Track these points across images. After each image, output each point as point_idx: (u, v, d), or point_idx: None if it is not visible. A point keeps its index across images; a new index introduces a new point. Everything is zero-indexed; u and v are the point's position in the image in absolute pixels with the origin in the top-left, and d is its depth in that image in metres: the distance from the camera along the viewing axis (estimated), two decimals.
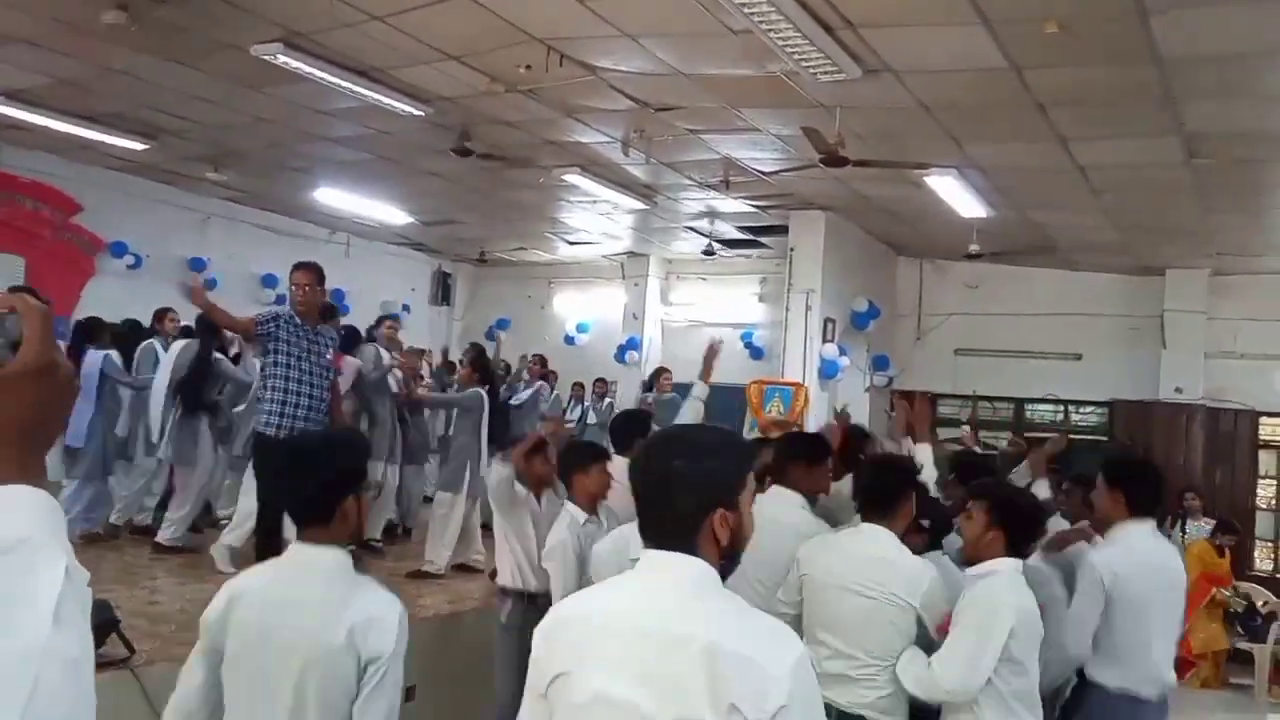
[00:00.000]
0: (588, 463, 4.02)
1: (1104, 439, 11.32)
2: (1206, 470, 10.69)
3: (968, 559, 3.11)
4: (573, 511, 3.97)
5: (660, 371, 10.45)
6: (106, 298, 9.74)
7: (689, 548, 1.50)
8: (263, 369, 5.39)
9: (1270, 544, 10.86)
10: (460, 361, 8.24)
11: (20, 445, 0.91)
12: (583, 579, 3.64)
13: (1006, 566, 2.96)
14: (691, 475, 1.52)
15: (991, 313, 11.80)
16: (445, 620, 5.45)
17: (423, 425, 7.91)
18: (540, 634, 1.59)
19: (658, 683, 1.44)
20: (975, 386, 11.96)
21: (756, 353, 12.90)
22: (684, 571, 1.50)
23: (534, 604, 4.14)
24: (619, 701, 1.45)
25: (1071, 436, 11.55)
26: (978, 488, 3.20)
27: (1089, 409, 11.80)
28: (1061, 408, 11.94)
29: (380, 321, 7.87)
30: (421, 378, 8.04)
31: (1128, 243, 10.04)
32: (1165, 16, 4.95)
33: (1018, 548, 3.02)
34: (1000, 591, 2.89)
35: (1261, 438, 11.00)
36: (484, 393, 6.76)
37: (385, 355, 7.25)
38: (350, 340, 7.19)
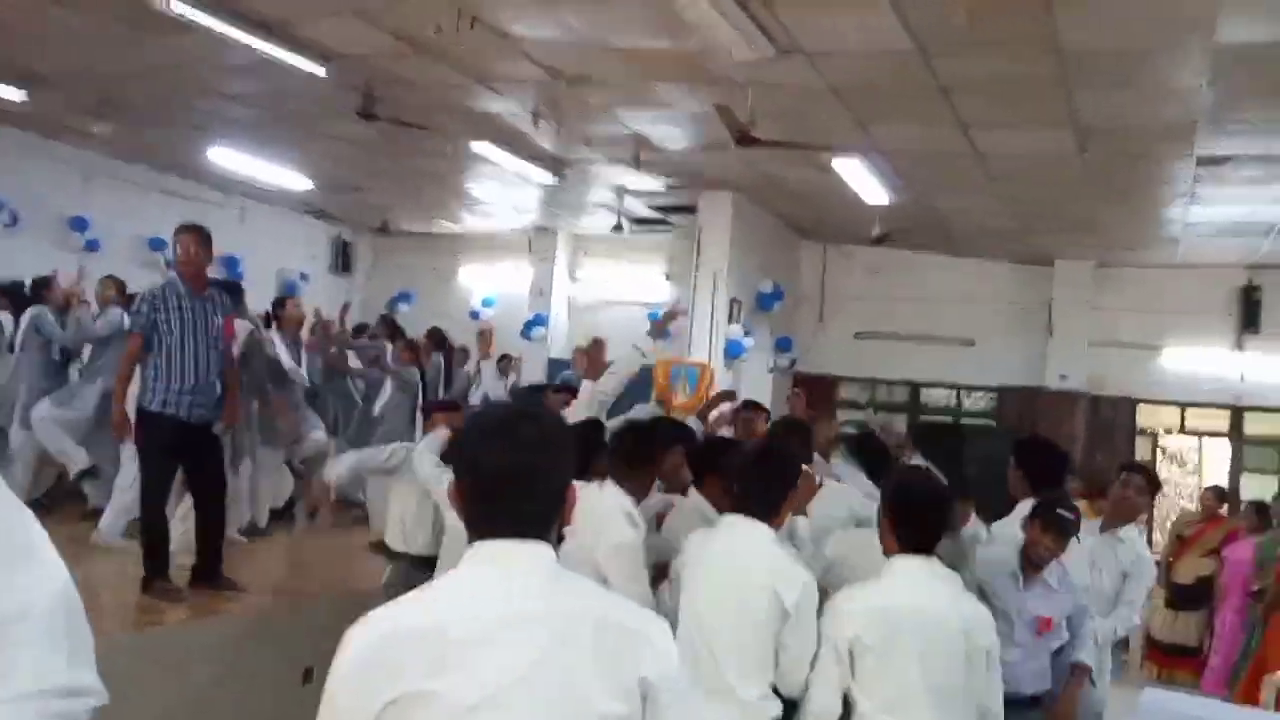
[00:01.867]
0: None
1: (993, 423, 11.75)
2: (1087, 455, 11.17)
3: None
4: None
5: (577, 351, 10.32)
6: None
7: (545, 535, 1.50)
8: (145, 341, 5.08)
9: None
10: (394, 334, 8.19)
11: None
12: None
13: None
14: (551, 469, 1.53)
15: (892, 297, 12.09)
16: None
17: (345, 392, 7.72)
18: (369, 651, 1.39)
19: (554, 671, 1.39)
20: (874, 370, 12.27)
21: (663, 333, 12.90)
22: (543, 556, 1.48)
23: (416, 567, 4.25)
24: (511, 703, 1.37)
25: (962, 421, 12.10)
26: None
27: (980, 394, 12.21)
28: (954, 392, 12.32)
29: (282, 303, 7.59)
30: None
31: (1021, 231, 10.40)
32: (1069, 8, 5.10)
33: None
34: None
35: (1139, 425, 11.57)
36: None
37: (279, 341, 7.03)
38: (234, 295, 6.84)
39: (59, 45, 7.37)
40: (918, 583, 2.76)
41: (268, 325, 7.22)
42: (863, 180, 8.69)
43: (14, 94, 8.50)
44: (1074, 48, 5.59)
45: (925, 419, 12.12)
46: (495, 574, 1.46)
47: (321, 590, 5.86)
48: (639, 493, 3.45)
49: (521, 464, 1.48)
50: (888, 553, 2.84)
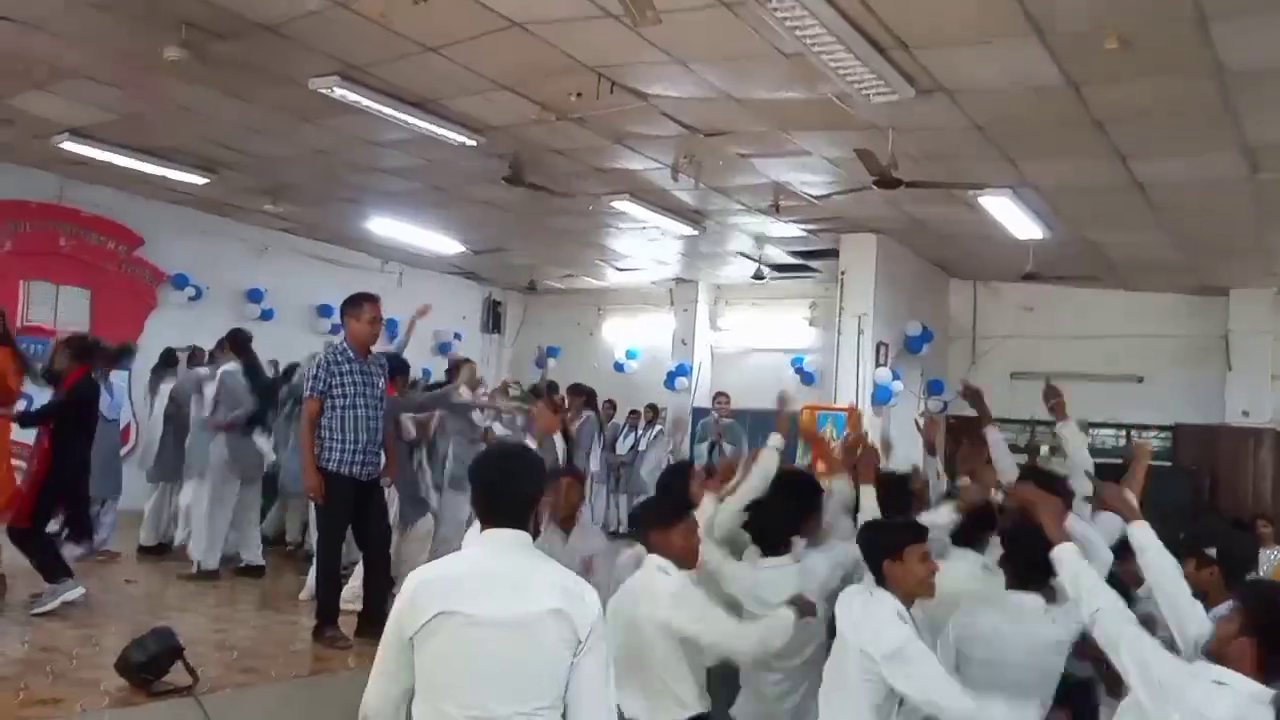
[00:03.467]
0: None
1: (1168, 464, 11.02)
2: (1276, 495, 10.33)
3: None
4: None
5: (717, 396, 10.43)
6: (169, 328, 9.96)
7: (523, 525, 2.33)
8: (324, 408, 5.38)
9: None
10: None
11: None
12: None
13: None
14: (525, 481, 2.38)
15: (1048, 335, 11.57)
16: None
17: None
18: (408, 595, 2.23)
19: (518, 607, 2.20)
20: (1033, 411, 11.70)
21: (808, 378, 12.76)
22: (520, 538, 2.32)
23: None
24: (493, 620, 2.18)
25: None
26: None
27: (1152, 433, 11.49)
28: (1124, 432, 11.64)
29: (457, 367, 7.87)
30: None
31: (1189, 262, 9.81)
32: (1227, 25, 4.84)
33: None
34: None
35: None
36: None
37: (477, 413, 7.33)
38: (398, 368, 7.18)
39: (235, 134, 8.01)
40: None
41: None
42: (1012, 216, 8.42)
43: (196, 178, 9.27)
44: (1235, 66, 5.28)
45: (1093, 461, 11.46)
46: (489, 547, 2.33)
47: None
48: None
49: (501, 481, 2.36)
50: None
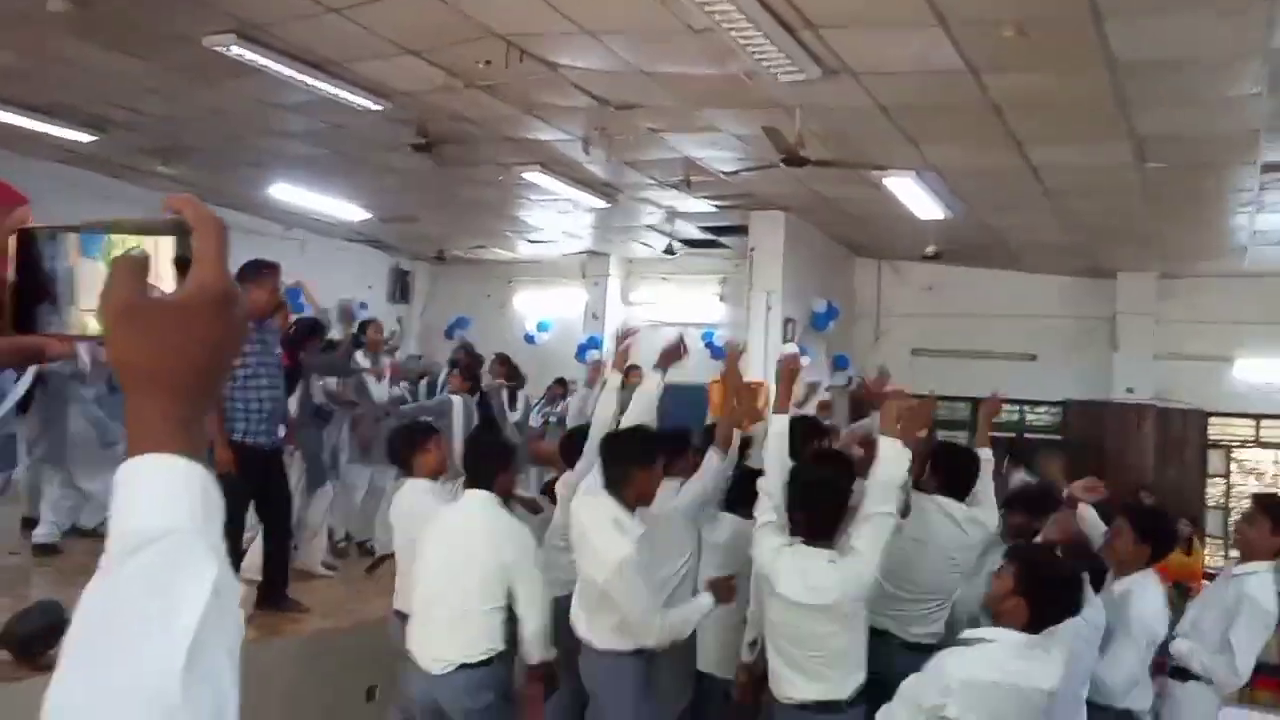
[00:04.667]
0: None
1: (1058, 438, 11.50)
2: (1158, 469, 10.90)
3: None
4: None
5: (630, 369, 10.31)
6: None
7: (490, 488, 3.69)
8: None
9: (1220, 540, 11.09)
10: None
11: (183, 399, 0.68)
12: None
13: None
14: (491, 453, 3.88)
15: (948, 314, 11.93)
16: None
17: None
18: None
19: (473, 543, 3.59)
20: (932, 386, 12.06)
21: (718, 352, 12.90)
22: (482, 496, 3.67)
23: None
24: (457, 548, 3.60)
25: (1028, 435, 11.85)
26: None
27: (1044, 409, 11.98)
28: (1017, 408, 12.09)
29: (364, 328, 7.73)
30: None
31: (1081, 245, 10.21)
32: (1119, 20, 5.02)
33: None
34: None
35: (1210, 437, 11.24)
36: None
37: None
38: (312, 330, 6.99)
39: (126, 91, 7.65)
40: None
41: (356, 348, 7.38)
42: (916, 197, 8.62)
43: (83, 137, 8.84)
44: (1127, 59, 5.49)
45: (993, 435, 11.89)
46: (463, 503, 3.74)
47: (384, 613, 5.94)
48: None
49: (472, 454, 3.92)
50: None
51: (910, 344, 12.18)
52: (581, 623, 3.55)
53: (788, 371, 3.96)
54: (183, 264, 0.71)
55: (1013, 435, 11.92)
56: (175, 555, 0.64)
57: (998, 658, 2.76)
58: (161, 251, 0.72)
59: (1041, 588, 2.83)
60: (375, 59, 6.49)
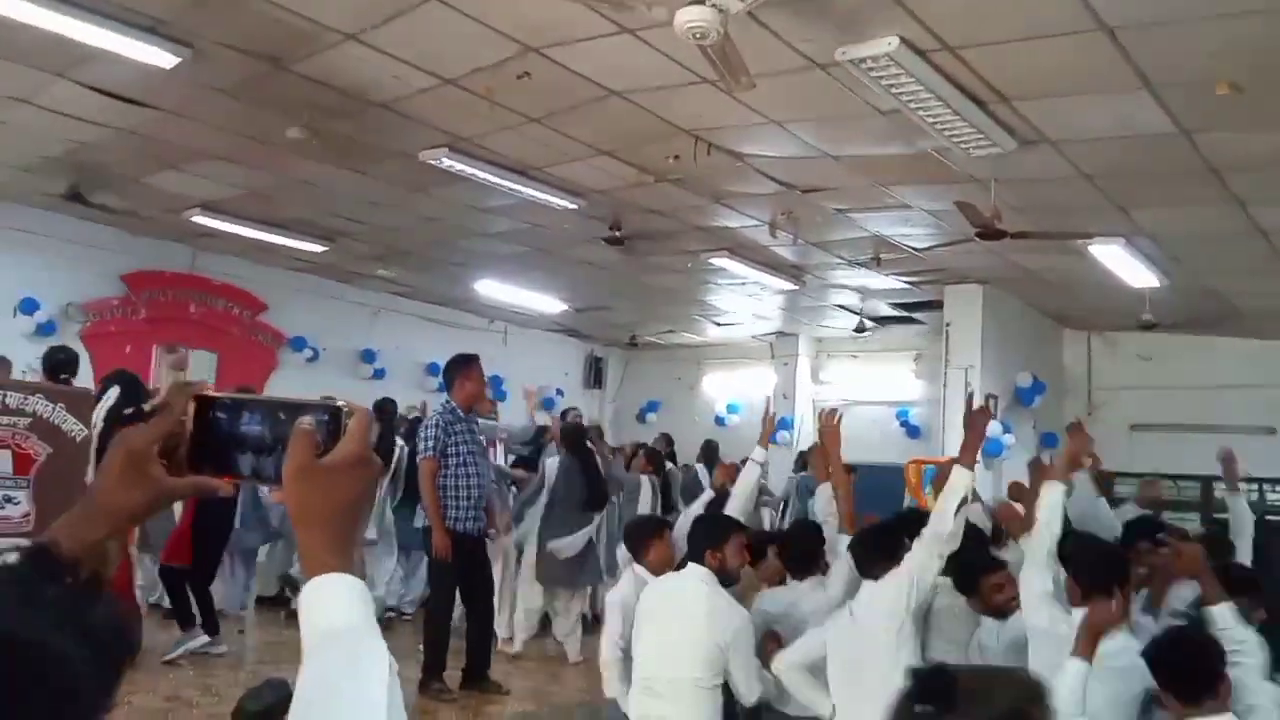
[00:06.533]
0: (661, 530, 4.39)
1: None
2: None
3: None
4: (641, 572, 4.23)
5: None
6: (288, 389, 10.41)
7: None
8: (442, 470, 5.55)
9: None
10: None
11: (338, 532, 0.92)
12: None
13: None
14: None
15: (1170, 386, 11.06)
16: None
17: None
18: None
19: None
20: (1154, 464, 11.17)
21: (913, 431, 12.50)
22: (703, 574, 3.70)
23: None
24: None
25: (1269, 518, 10.71)
26: None
27: None
28: (1255, 485, 10.99)
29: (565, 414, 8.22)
30: None
31: None
32: None
33: None
34: None
35: None
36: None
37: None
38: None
39: (350, 204, 8.42)
40: None
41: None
42: (1126, 265, 8.15)
43: (315, 246, 9.75)
44: None
45: (1221, 516, 10.85)
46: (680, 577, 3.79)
47: (577, 695, 6.02)
48: None
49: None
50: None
51: (1128, 419, 11.35)
52: None
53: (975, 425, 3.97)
54: (333, 436, 0.96)
55: (1252, 517, 10.82)
56: (358, 645, 0.86)
57: None
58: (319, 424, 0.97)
59: None
60: (571, 161, 6.86)
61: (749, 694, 3.56)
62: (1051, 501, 3.39)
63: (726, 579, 3.71)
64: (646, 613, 3.76)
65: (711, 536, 3.78)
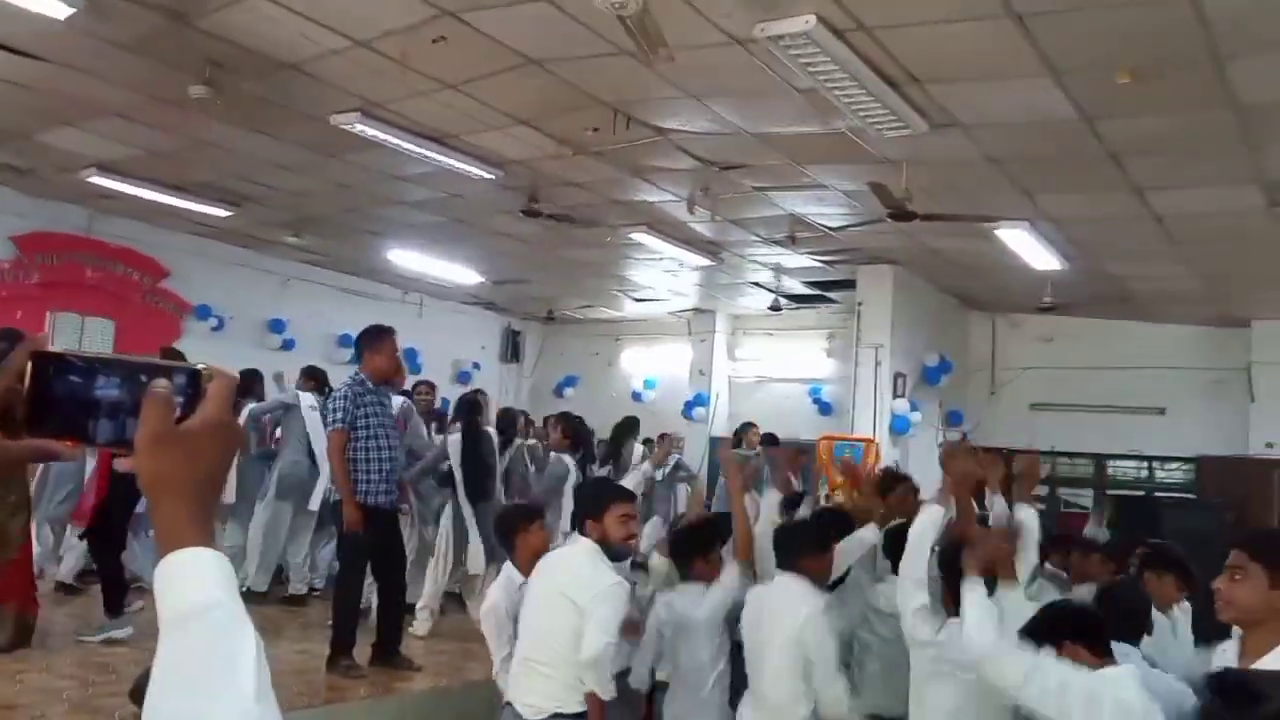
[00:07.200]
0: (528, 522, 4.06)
1: (1191, 496, 10.90)
2: None
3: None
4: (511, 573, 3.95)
5: (748, 426, 9.91)
6: (192, 358, 10.06)
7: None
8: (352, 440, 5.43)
9: None
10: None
11: (197, 502, 0.87)
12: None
13: None
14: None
15: (1069, 366, 11.51)
16: None
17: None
18: None
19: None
20: (1054, 442, 11.63)
21: (825, 408, 12.75)
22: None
23: None
24: None
25: (1158, 494, 11.26)
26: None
27: (1174, 465, 11.38)
28: (1145, 464, 11.53)
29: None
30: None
31: (1210, 293, 9.75)
32: (1242, 62, 4.86)
33: None
34: None
35: None
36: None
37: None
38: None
39: (258, 168, 8.15)
40: None
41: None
42: (1030, 248, 8.41)
43: (221, 211, 9.43)
44: (1253, 100, 5.29)
45: (1113, 493, 11.37)
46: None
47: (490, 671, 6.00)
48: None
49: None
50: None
51: (1029, 398, 11.78)
52: None
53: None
54: (192, 402, 0.91)
55: (1141, 493, 11.37)
56: (224, 624, 0.81)
57: None
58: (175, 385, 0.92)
59: None
60: (489, 130, 6.76)
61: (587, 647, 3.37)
62: (922, 525, 3.44)
63: (612, 551, 3.59)
64: None
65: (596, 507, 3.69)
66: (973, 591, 2.96)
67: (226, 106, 6.33)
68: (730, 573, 3.93)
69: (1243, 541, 2.51)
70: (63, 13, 5.06)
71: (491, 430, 7.11)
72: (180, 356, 5.63)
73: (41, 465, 6.20)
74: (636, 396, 14.21)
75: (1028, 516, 3.79)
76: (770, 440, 9.16)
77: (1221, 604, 2.48)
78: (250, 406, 7.34)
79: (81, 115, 7.05)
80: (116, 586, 5.79)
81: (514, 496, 7.04)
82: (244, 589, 6.81)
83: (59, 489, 6.91)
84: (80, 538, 6.50)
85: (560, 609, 3.46)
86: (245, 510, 7.37)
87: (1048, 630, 2.77)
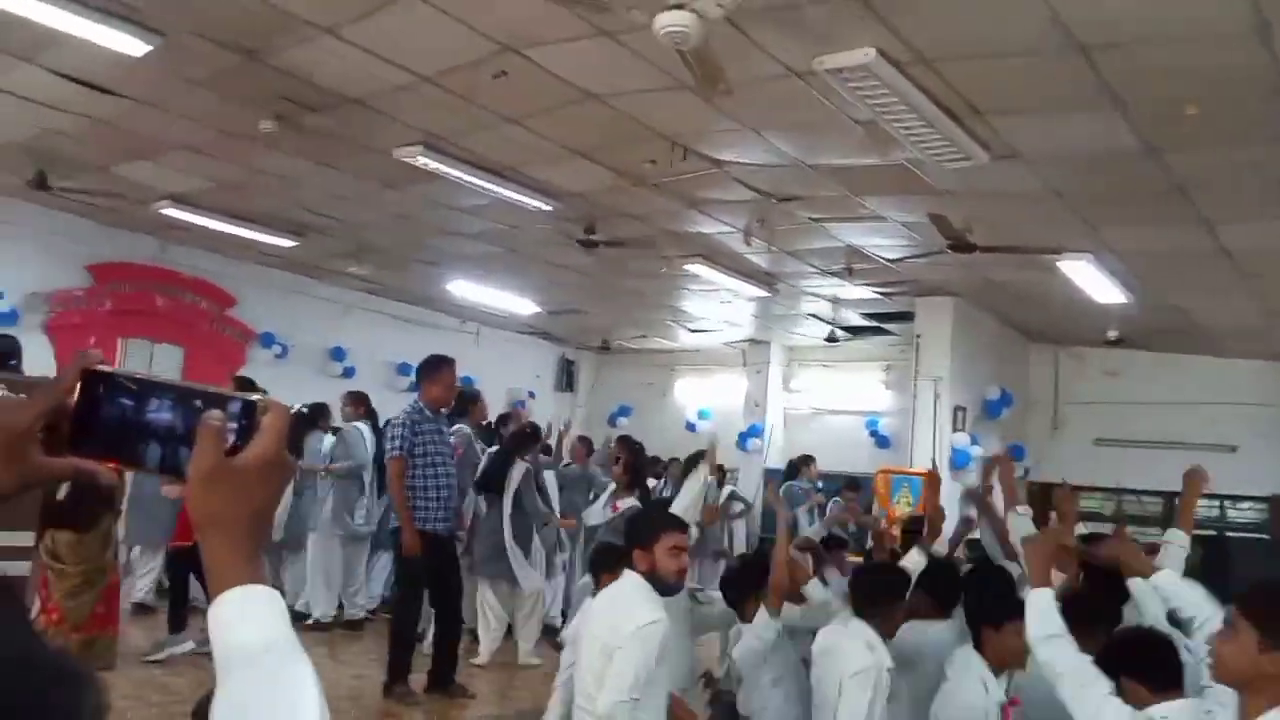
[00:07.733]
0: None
1: (1264, 537, 10.52)
2: None
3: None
4: None
5: (807, 459, 9.80)
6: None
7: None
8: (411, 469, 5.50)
9: None
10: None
11: (249, 539, 0.86)
12: None
13: None
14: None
15: (1135, 401, 11.21)
16: None
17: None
18: None
19: None
20: (1118, 478, 11.32)
21: (883, 441, 12.58)
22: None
23: None
24: None
25: (1229, 534, 10.88)
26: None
27: (1246, 504, 11.00)
28: (1217, 502, 11.16)
29: (506, 419, 8.23)
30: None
31: None
32: None
33: None
34: None
35: None
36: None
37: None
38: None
39: (323, 200, 8.34)
40: None
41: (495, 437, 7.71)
42: (1093, 281, 8.25)
43: (286, 241, 9.65)
44: None
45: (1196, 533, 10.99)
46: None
47: (541, 699, 5.97)
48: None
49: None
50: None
51: (1093, 433, 11.49)
52: None
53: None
54: (246, 434, 0.87)
55: (1213, 533, 10.98)
56: (282, 662, 0.81)
57: None
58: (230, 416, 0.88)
59: None
60: (547, 163, 6.84)
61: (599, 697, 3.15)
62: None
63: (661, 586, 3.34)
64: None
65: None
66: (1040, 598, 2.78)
67: (294, 140, 6.50)
68: (760, 618, 3.75)
69: (1239, 595, 2.28)
70: (140, 50, 5.24)
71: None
72: (253, 385, 5.78)
73: (131, 487, 6.35)
74: (690, 427, 14.16)
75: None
76: (852, 486, 9.43)
77: (1213, 662, 2.30)
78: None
79: (156, 149, 7.29)
80: (183, 604, 5.94)
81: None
82: (311, 621, 6.99)
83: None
84: (170, 560, 6.60)
85: (595, 652, 3.27)
86: (298, 543, 7.51)
87: (1117, 658, 2.67)
